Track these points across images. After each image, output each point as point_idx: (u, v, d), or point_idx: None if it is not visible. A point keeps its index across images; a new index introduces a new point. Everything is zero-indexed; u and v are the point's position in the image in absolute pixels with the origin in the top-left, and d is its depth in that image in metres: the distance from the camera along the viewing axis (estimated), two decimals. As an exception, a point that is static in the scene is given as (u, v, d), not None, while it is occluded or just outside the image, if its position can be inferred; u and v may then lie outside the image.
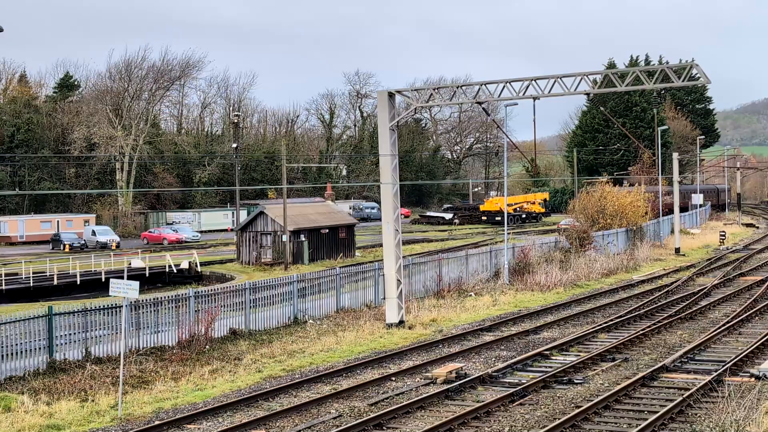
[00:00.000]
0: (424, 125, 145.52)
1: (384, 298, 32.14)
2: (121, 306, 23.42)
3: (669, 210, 69.68)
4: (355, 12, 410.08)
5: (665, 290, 39.06)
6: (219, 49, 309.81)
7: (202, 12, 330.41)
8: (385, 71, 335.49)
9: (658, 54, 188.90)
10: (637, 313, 32.46)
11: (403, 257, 33.76)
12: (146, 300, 26.94)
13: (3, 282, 49.17)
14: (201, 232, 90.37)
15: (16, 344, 23.18)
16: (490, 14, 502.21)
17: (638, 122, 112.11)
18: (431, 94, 31.70)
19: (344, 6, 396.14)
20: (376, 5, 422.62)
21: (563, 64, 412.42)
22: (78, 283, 51.01)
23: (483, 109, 38.45)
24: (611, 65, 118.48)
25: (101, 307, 25.93)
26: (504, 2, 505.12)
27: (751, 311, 31.64)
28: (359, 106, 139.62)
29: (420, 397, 20.03)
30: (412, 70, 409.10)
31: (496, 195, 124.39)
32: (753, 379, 21.52)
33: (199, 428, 18.51)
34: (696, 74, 29.82)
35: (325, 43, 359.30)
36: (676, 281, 42.63)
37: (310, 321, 31.84)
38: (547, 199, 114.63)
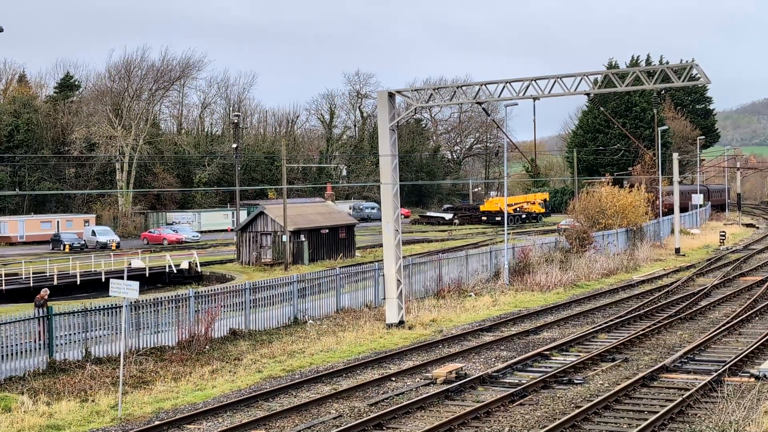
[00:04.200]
0: (424, 125, 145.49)
1: (384, 299, 32.14)
2: (121, 306, 23.43)
3: (669, 210, 69.69)
4: (357, 12, 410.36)
5: (665, 290, 39.06)
6: (220, 48, 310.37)
7: (203, 12, 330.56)
8: (387, 71, 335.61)
9: (659, 54, 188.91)
10: (637, 313, 32.46)
11: (403, 257, 33.76)
12: (146, 300, 26.94)
13: (3, 282, 49.17)
14: (201, 232, 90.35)
15: (16, 344, 23.19)
16: (495, 13, 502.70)
17: (638, 122, 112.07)
18: (431, 94, 31.71)
19: (347, 6, 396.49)
20: (379, 5, 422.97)
21: (570, 64, 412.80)
22: (78, 283, 51.01)
23: (483, 109, 38.47)
24: (611, 65, 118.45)
25: (101, 307, 25.94)
26: (509, 2, 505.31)
27: (751, 311, 31.64)
28: (359, 106, 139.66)
29: (420, 398, 20.03)
30: (416, 70, 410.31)
31: (496, 195, 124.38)
32: (753, 379, 21.52)
33: (199, 428, 18.51)
34: (696, 74, 29.81)
35: (326, 43, 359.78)
36: (676, 281, 42.63)
37: (310, 321, 31.84)
38: (547, 199, 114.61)
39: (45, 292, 26.61)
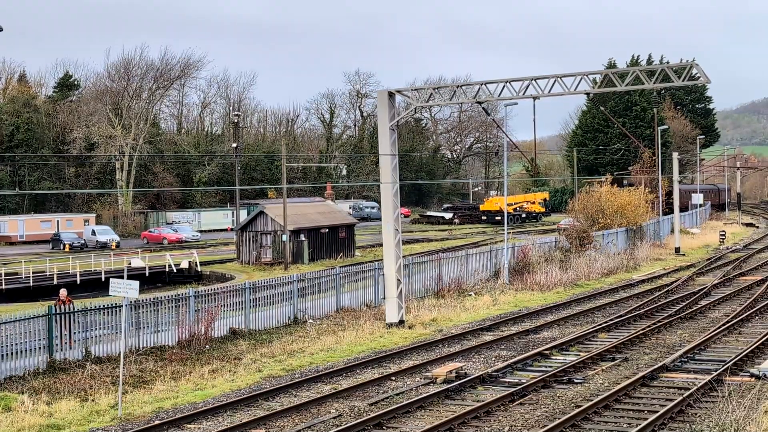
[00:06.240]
0: (424, 125, 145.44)
1: (384, 298, 32.13)
2: (121, 305, 23.42)
3: (669, 209, 69.65)
4: (357, 12, 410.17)
5: (665, 290, 39.05)
6: (220, 48, 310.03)
7: (203, 11, 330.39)
8: (387, 71, 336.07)
9: (660, 53, 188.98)
10: (637, 312, 32.45)
11: (403, 257, 33.75)
12: (146, 300, 26.94)
13: (3, 282, 49.16)
14: (201, 231, 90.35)
15: (16, 344, 23.18)
16: (499, 11, 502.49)
17: (638, 122, 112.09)
18: (431, 93, 31.69)
19: (346, 5, 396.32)
20: (380, 4, 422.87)
21: (571, 62, 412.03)
22: (78, 282, 50.98)
23: (483, 108, 38.46)
24: (611, 65, 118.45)
25: (101, 306, 25.94)
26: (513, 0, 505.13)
27: (751, 311, 31.64)
28: (359, 106, 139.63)
29: (420, 397, 20.02)
30: (416, 69, 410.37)
31: (496, 195, 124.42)
32: (753, 378, 21.52)
33: (199, 428, 18.51)
34: (696, 74, 29.77)
35: (326, 42, 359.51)
36: (676, 281, 42.62)
37: (310, 321, 31.83)
38: (547, 198, 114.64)
39: (63, 292, 26.68)
